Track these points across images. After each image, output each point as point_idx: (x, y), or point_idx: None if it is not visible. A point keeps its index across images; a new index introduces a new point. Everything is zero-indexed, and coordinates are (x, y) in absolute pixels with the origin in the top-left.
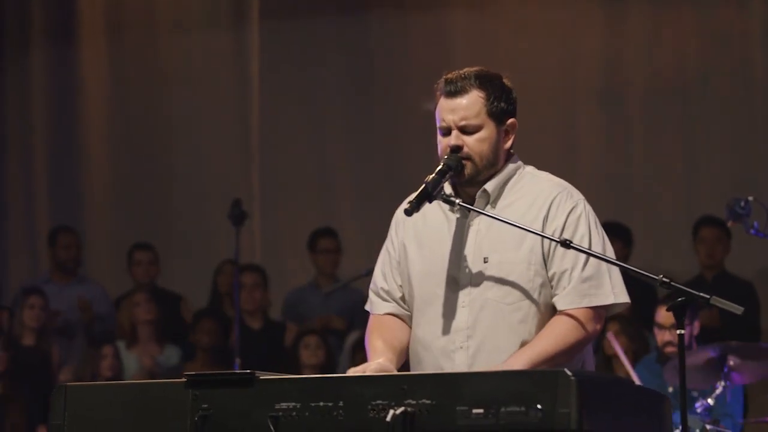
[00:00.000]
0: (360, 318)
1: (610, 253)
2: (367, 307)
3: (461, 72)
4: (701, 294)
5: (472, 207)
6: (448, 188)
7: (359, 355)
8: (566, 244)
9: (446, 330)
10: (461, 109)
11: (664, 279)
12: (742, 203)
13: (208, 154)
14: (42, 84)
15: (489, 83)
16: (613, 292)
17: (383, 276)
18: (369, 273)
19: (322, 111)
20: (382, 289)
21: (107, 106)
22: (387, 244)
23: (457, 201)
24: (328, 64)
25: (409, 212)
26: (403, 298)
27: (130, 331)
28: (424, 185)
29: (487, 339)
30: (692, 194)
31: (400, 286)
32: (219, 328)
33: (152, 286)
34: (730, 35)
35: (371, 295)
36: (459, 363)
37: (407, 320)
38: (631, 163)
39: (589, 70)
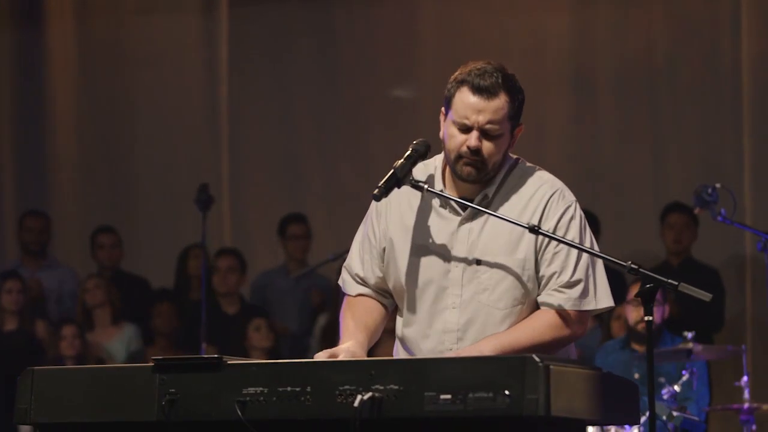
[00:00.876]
0: (329, 301)
1: (598, 261)
2: (340, 283)
3: (486, 67)
4: (670, 281)
5: (444, 195)
6: (417, 174)
7: (329, 338)
8: (534, 229)
9: (436, 330)
10: (489, 112)
11: (633, 265)
12: (710, 190)
13: (177, 138)
14: (8, 66)
15: (513, 86)
16: (596, 299)
17: (361, 262)
18: (335, 258)
19: (291, 96)
20: (357, 275)
21: (74, 89)
22: (368, 230)
23: (425, 187)
24: (297, 50)
25: (377, 197)
26: (378, 286)
27: (84, 316)
28: (392, 170)
29: (477, 342)
30: (660, 180)
31: (380, 277)
32: (177, 312)
33: (116, 269)
34: (699, 21)
35: (345, 275)
36: None
37: (382, 302)
38: (600, 149)
39: (558, 55)
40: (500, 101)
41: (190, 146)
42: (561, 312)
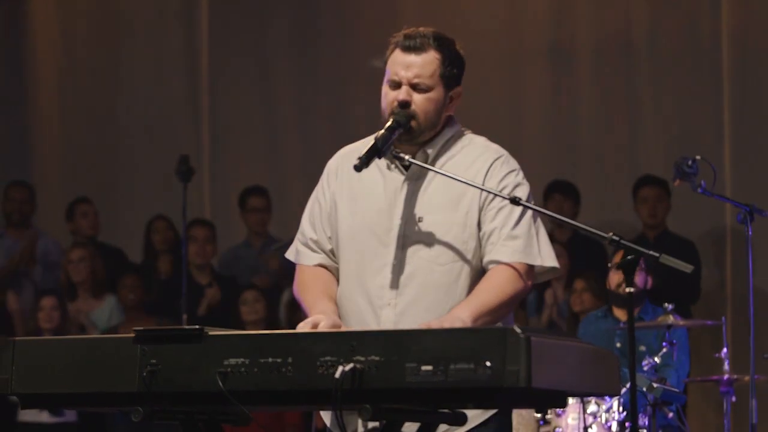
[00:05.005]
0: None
1: (540, 225)
2: (291, 256)
3: (420, 29)
4: (651, 252)
5: (424, 164)
6: (364, 145)
7: (295, 312)
8: (515, 201)
9: (375, 286)
10: (416, 66)
11: (614, 237)
12: (690, 162)
13: (157, 109)
14: None
15: (446, 47)
16: (540, 255)
17: (312, 226)
18: None
19: (271, 67)
20: (311, 239)
21: (56, 59)
22: (318, 194)
23: (407, 158)
24: (277, 20)
25: (358, 168)
26: (332, 251)
27: (68, 285)
28: (374, 141)
29: (416, 298)
30: (638, 153)
31: (330, 238)
32: (144, 284)
33: (94, 240)
34: None
35: (298, 245)
36: (385, 320)
37: (336, 273)
38: (578, 122)
39: (536, 28)
40: (429, 56)
41: (171, 118)
42: (511, 265)
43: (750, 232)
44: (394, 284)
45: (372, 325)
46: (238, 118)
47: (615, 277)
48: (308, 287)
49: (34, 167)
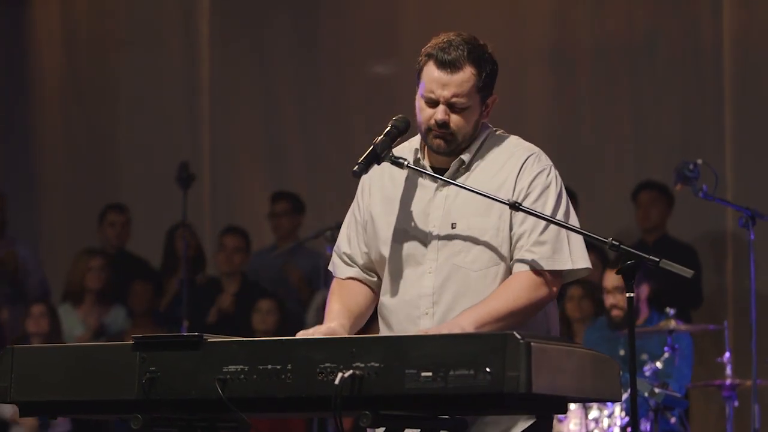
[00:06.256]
0: (317, 279)
1: (574, 221)
2: (330, 268)
3: (453, 39)
4: (651, 257)
5: (423, 170)
6: (403, 150)
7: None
8: (515, 206)
9: (412, 295)
10: (453, 85)
11: (614, 242)
12: (691, 166)
13: (158, 115)
14: None
15: (481, 58)
16: (572, 258)
17: (348, 240)
18: (317, 235)
19: (272, 72)
20: (345, 253)
21: (58, 66)
22: (354, 207)
23: (405, 163)
24: (278, 26)
25: (357, 174)
26: (366, 265)
27: (78, 291)
28: (372, 147)
29: (453, 305)
30: (640, 157)
31: (365, 252)
32: (152, 291)
33: (120, 248)
34: None
35: (335, 257)
36: (423, 329)
37: (370, 285)
38: (580, 126)
39: (538, 31)
40: (465, 74)
41: (172, 124)
42: (534, 272)
43: (752, 237)
44: (431, 292)
45: None
46: (239, 123)
47: (606, 299)
48: (331, 299)
49: (36, 170)
